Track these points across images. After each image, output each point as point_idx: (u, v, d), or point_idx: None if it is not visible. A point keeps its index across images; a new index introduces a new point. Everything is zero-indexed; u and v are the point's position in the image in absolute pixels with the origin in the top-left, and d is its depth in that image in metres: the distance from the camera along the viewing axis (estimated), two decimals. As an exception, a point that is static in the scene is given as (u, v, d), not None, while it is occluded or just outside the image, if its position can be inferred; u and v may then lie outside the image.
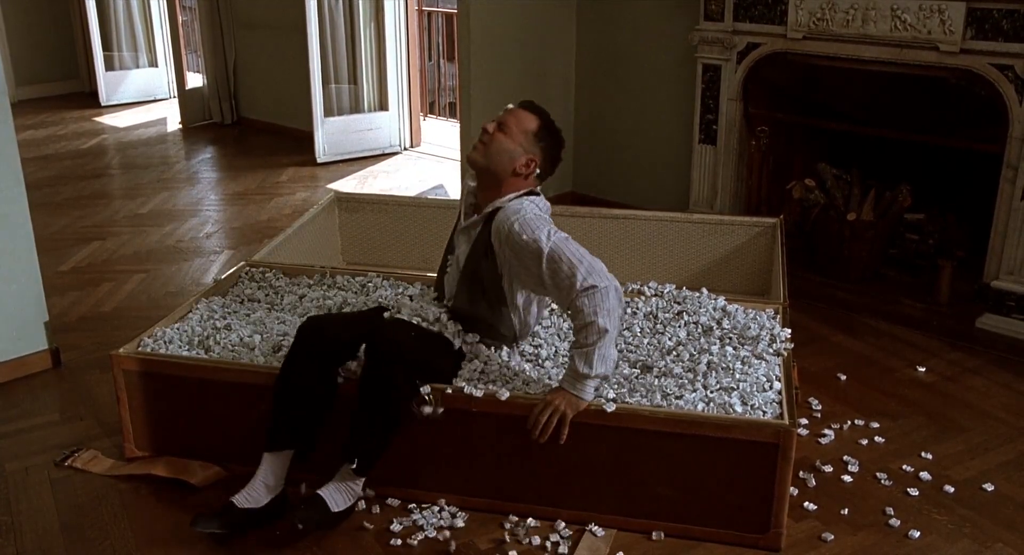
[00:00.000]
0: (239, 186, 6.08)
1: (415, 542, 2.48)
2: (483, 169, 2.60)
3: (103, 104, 8.56)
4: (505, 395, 2.49)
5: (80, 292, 4.24)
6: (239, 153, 7.03)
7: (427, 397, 2.50)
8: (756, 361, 2.72)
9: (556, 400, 2.43)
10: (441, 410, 2.52)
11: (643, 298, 3.19)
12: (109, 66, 8.62)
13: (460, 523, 2.56)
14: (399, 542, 2.49)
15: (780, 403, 2.51)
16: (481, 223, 2.62)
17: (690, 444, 2.42)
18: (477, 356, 2.66)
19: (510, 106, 2.64)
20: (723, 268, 3.72)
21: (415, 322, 2.63)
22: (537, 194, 2.64)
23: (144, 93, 8.84)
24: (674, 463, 2.45)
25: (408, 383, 2.47)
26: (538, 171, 2.62)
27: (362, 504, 2.61)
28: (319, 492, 2.49)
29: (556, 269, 2.42)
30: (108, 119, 8.15)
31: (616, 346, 2.53)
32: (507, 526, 2.54)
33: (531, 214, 2.51)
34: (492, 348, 2.70)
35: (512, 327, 2.69)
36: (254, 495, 2.52)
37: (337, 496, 2.50)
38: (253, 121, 7.83)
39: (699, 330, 2.95)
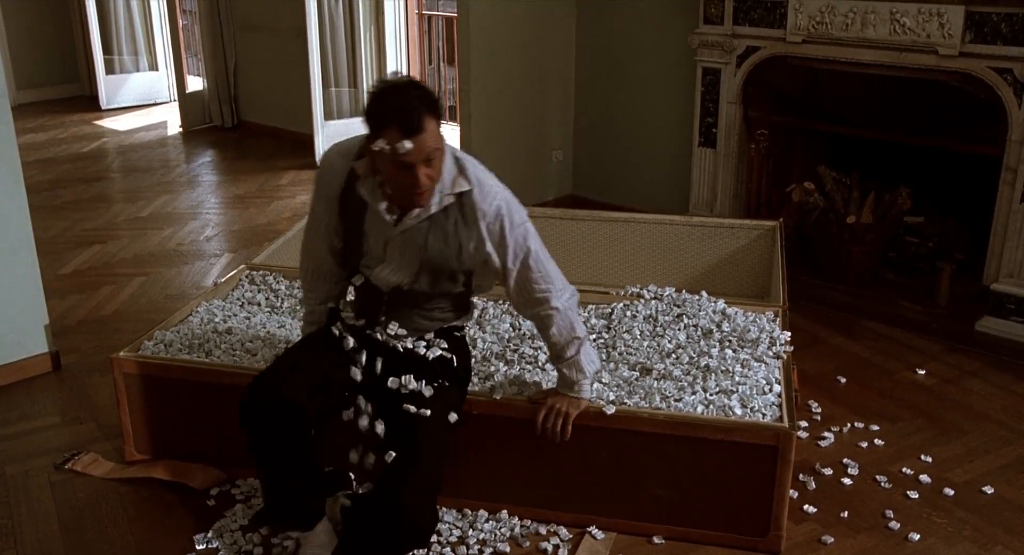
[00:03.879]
0: (239, 189, 6.08)
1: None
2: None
3: (103, 108, 8.57)
4: (499, 395, 2.49)
5: (80, 295, 4.25)
6: (239, 156, 7.04)
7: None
8: (756, 364, 2.72)
9: (558, 404, 2.43)
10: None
11: (643, 301, 3.19)
12: (109, 70, 8.64)
13: (459, 526, 2.56)
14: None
15: (780, 406, 2.51)
16: (439, 208, 2.25)
17: (690, 447, 2.42)
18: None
19: (408, 146, 2.08)
20: (723, 271, 3.72)
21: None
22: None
23: (144, 97, 8.85)
24: (674, 466, 2.45)
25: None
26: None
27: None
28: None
29: (528, 276, 2.34)
30: (108, 122, 8.16)
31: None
32: (507, 529, 2.54)
33: (511, 200, 2.30)
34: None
35: (469, 296, 2.47)
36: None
37: None
38: (253, 124, 7.84)
39: (699, 333, 2.95)
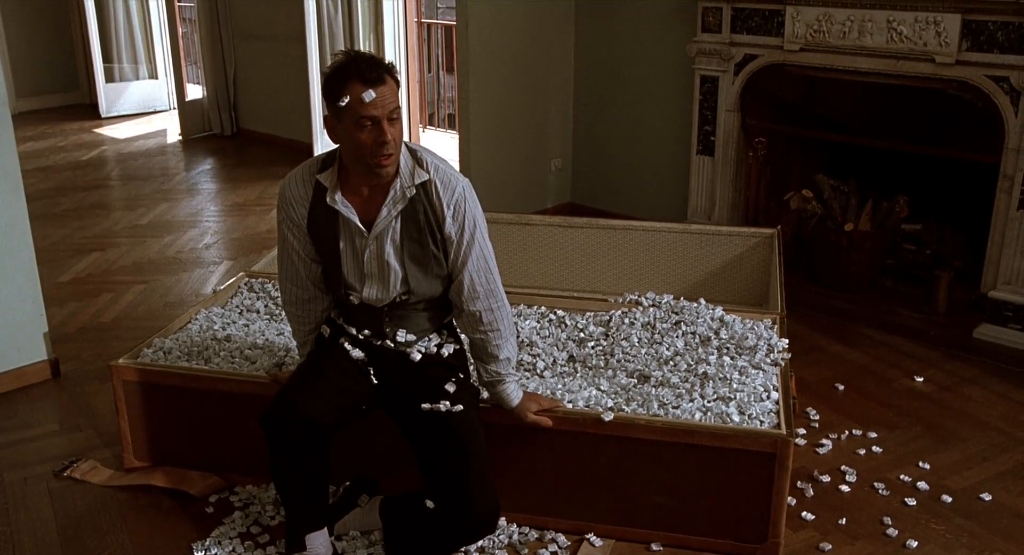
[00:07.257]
0: (238, 197, 6.09)
1: (413, 552, 2.48)
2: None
3: (103, 116, 8.60)
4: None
5: (79, 303, 4.25)
6: (239, 164, 7.05)
7: None
8: (754, 371, 2.72)
9: (528, 417, 2.43)
10: None
11: (641, 308, 3.20)
12: (109, 78, 8.67)
13: (458, 533, 2.56)
14: (397, 552, 2.49)
15: (778, 413, 2.51)
16: (404, 203, 2.26)
17: (687, 454, 2.42)
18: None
19: (372, 94, 2.11)
20: (721, 278, 3.73)
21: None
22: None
23: (144, 105, 8.88)
24: (672, 473, 2.46)
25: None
26: None
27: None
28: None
29: (475, 278, 2.33)
30: (108, 131, 8.17)
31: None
32: (504, 536, 2.54)
33: (469, 187, 2.31)
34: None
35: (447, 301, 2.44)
36: None
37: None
38: (253, 132, 7.85)
39: (697, 340, 2.96)
